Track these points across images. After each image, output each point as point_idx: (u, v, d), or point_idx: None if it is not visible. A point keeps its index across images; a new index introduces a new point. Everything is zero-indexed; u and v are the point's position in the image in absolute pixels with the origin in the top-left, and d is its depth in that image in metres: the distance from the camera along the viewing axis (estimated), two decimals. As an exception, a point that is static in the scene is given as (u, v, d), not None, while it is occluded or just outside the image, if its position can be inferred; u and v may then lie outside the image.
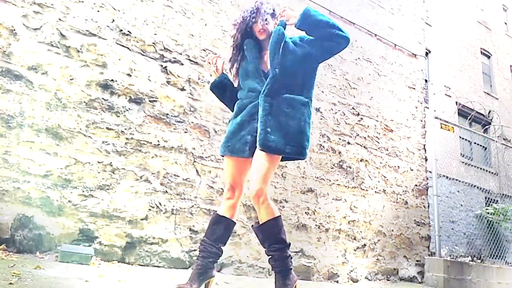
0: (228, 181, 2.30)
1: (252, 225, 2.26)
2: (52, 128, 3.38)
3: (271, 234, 2.13)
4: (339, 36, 2.28)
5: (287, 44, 2.28)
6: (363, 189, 5.29)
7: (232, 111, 2.44)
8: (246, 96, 2.32)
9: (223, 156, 2.34)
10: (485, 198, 11.11)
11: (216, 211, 2.31)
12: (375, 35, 6.10)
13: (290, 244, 2.18)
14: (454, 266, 5.39)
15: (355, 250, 4.98)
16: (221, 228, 2.24)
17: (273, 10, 2.43)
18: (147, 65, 3.98)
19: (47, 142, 3.34)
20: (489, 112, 12.16)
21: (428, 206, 5.99)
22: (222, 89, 2.50)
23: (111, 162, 3.58)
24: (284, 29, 2.31)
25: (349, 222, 5.02)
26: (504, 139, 12.09)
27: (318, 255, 4.63)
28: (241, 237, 4.12)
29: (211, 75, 2.77)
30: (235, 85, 2.52)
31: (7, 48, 3.32)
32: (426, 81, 7.41)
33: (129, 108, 3.80)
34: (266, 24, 2.34)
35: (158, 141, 3.87)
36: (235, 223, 2.31)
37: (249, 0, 4.79)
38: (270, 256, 2.14)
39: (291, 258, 2.17)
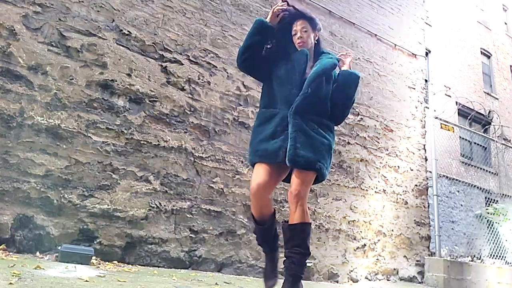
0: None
1: (282, 222, 2.28)
2: (52, 128, 3.38)
3: (299, 237, 2.15)
4: (340, 118, 2.45)
5: (331, 76, 2.35)
6: (363, 189, 5.29)
7: (245, 52, 2.34)
8: (275, 105, 2.31)
9: (253, 165, 2.31)
10: (485, 198, 11.11)
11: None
12: (375, 35, 6.09)
13: (310, 254, 2.21)
14: (454, 266, 5.39)
15: (355, 250, 4.98)
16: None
17: (316, 22, 2.42)
18: (147, 65, 3.98)
19: (47, 142, 3.34)
20: (489, 112, 12.15)
21: (428, 206, 5.98)
22: (263, 32, 2.34)
23: (111, 162, 3.58)
24: (335, 62, 2.37)
25: (349, 222, 5.02)
26: (504, 139, 12.08)
27: (318, 255, 4.63)
28: (241, 237, 4.12)
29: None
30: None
31: (7, 48, 3.32)
32: (426, 81, 7.40)
33: (129, 108, 3.80)
34: (305, 32, 2.34)
35: (158, 141, 3.87)
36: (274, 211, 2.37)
37: (249, 0, 4.80)
38: (288, 257, 2.15)
39: (306, 268, 2.20)
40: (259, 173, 2.23)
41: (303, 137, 2.17)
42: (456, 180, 11.22)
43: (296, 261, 2.11)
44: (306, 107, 2.21)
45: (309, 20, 2.38)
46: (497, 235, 7.73)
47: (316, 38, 2.41)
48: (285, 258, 2.16)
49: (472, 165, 12.30)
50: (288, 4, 2.38)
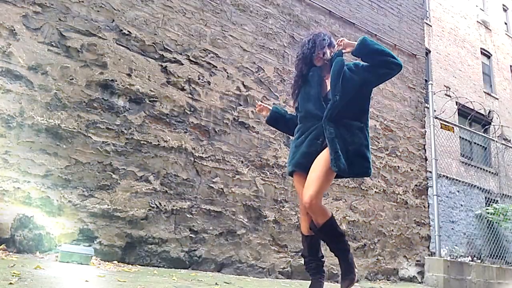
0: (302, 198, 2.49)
1: (310, 227, 2.46)
2: (52, 128, 3.38)
3: (328, 236, 2.41)
4: (393, 63, 2.44)
5: (345, 72, 2.45)
6: (363, 189, 5.29)
7: (289, 134, 2.89)
8: (307, 120, 2.53)
9: (292, 174, 2.55)
10: (485, 198, 11.12)
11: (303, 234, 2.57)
12: (375, 35, 6.09)
13: (343, 234, 2.44)
14: (454, 266, 5.39)
15: (355, 250, 4.98)
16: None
17: (329, 39, 2.64)
18: (147, 65, 3.98)
19: (47, 142, 3.34)
20: (489, 112, 12.15)
21: (428, 206, 5.98)
22: (275, 122, 2.88)
23: (111, 162, 3.58)
24: (341, 57, 2.50)
25: (349, 222, 5.02)
26: (504, 139, 12.09)
27: (318, 255, 4.62)
28: (241, 237, 4.12)
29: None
30: (293, 107, 2.86)
31: (7, 48, 3.32)
32: (426, 81, 7.40)
33: (129, 108, 3.80)
34: (324, 52, 2.56)
35: (158, 141, 3.87)
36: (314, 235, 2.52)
37: (249, 0, 4.80)
38: (333, 252, 2.43)
39: (349, 250, 2.42)
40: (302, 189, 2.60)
41: (340, 143, 2.36)
42: (456, 180, 11.22)
43: (340, 253, 2.39)
44: (337, 114, 2.40)
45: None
46: (497, 235, 7.73)
47: (332, 54, 2.61)
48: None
49: (472, 165, 12.30)
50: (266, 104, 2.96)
